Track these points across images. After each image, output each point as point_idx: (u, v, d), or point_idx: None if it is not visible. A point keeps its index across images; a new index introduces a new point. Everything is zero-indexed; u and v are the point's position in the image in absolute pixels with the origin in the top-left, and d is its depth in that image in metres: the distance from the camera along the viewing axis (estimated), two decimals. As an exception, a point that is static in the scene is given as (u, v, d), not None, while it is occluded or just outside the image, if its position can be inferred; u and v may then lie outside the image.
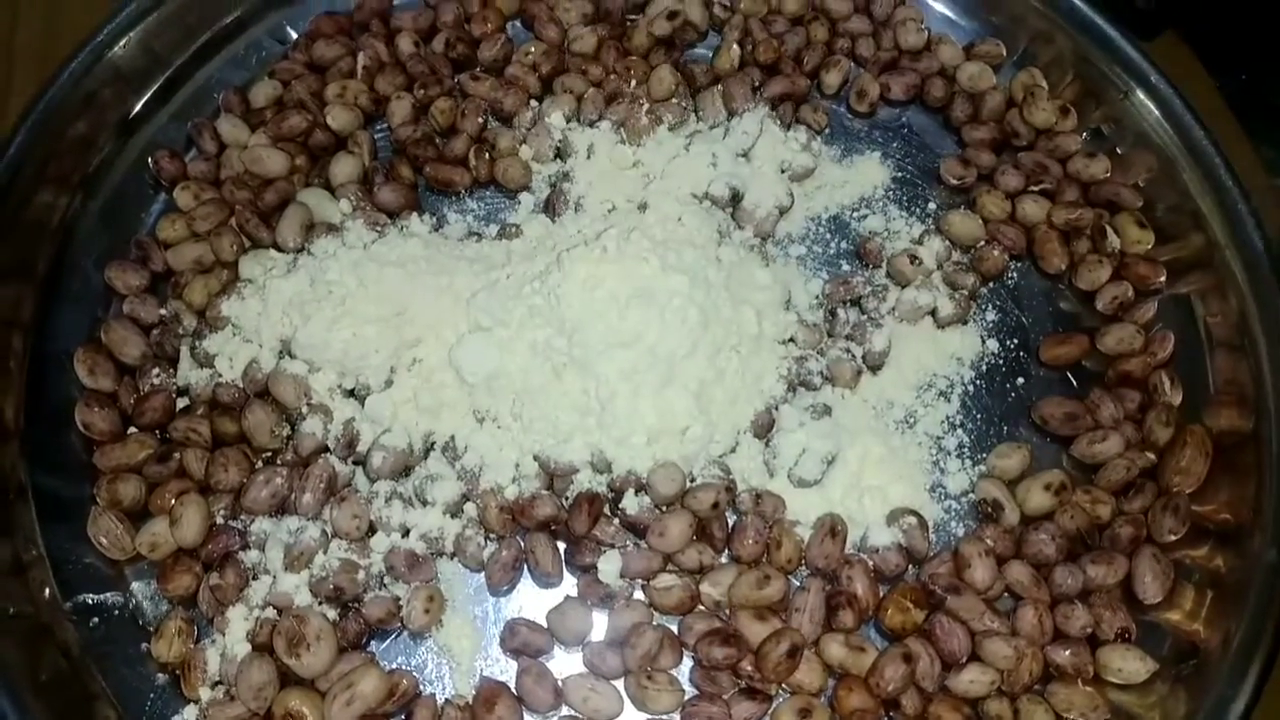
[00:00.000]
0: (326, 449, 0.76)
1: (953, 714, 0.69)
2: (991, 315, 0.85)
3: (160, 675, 0.71)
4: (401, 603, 0.71)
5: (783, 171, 0.88)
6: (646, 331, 0.75)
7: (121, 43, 0.86)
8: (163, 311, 0.81)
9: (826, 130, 0.92)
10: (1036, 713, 0.69)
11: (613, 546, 0.74)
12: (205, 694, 0.69)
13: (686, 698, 0.70)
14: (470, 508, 0.75)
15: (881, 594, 0.73)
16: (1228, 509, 0.75)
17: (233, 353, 0.79)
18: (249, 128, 0.89)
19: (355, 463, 0.76)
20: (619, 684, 0.70)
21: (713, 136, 0.89)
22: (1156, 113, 0.87)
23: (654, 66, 0.92)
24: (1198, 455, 0.76)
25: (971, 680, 0.70)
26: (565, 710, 0.70)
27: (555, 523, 0.74)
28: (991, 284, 0.86)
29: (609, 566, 0.72)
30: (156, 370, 0.79)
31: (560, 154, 0.89)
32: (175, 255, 0.83)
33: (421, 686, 0.71)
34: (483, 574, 0.74)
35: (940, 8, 0.97)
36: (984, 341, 0.84)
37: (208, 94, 0.91)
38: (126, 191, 0.87)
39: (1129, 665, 0.70)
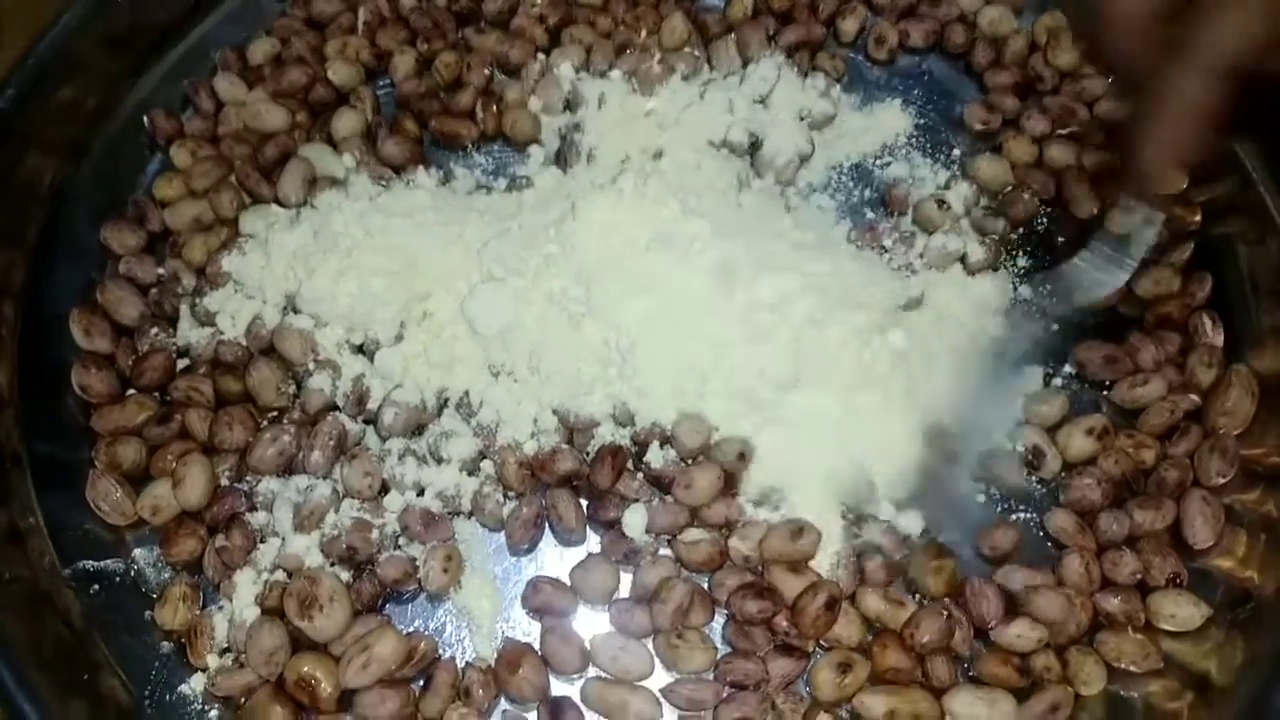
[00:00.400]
0: (335, 406, 0.73)
1: (1002, 667, 0.66)
2: (1022, 261, 0.82)
3: (165, 643, 0.67)
4: (418, 563, 0.68)
5: (802, 119, 0.85)
6: (669, 278, 0.72)
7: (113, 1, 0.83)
8: (160, 271, 0.78)
9: (845, 78, 0.89)
10: (1086, 663, 0.66)
11: (637, 501, 0.70)
12: (213, 661, 0.66)
13: (719, 655, 0.66)
14: (487, 465, 0.71)
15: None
16: (1277, 451, 0.72)
17: (235, 310, 0.75)
18: (247, 85, 0.86)
19: (366, 420, 0.73)
20: (648, 643, 0.67)
21: (728, 84, 0.86)
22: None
23: (665, 16, 0.89)
24: (1244, 395, 0.73)
25: (1018, 635, 0.66)
26: (593, 671, 0.67)
27: (577, 478, 0.71)
28: (1021, 229, 0.83)
29: (634, 521, 0.69)
30: (155, 330, 0.76)
31: (570, 105, 0.86)
32: (173, 214, 0.80)
33: (441, 650, 0.67)
34: (502, 533, 0.71)
35: (960, -50, 0.94)
36: (1015, 288, 0.80)
37: (203, 53, 0.88)
38: (121, 151, 0.84)
39: (1182, 611, 0.67)
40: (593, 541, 0.71)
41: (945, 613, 0.66)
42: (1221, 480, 0.71)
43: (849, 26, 0.91)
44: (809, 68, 0.88)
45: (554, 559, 0.71)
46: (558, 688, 0.66)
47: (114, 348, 0.75)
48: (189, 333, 0.76)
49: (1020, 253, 0.82)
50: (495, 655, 0.67)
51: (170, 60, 0.88)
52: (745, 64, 0.88)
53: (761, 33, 0.88)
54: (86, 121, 0.83)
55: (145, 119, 0.84)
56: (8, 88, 0.78)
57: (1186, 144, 0.55)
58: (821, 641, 0.67)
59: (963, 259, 0.80)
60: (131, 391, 0.75)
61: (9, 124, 0.77)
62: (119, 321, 0.76)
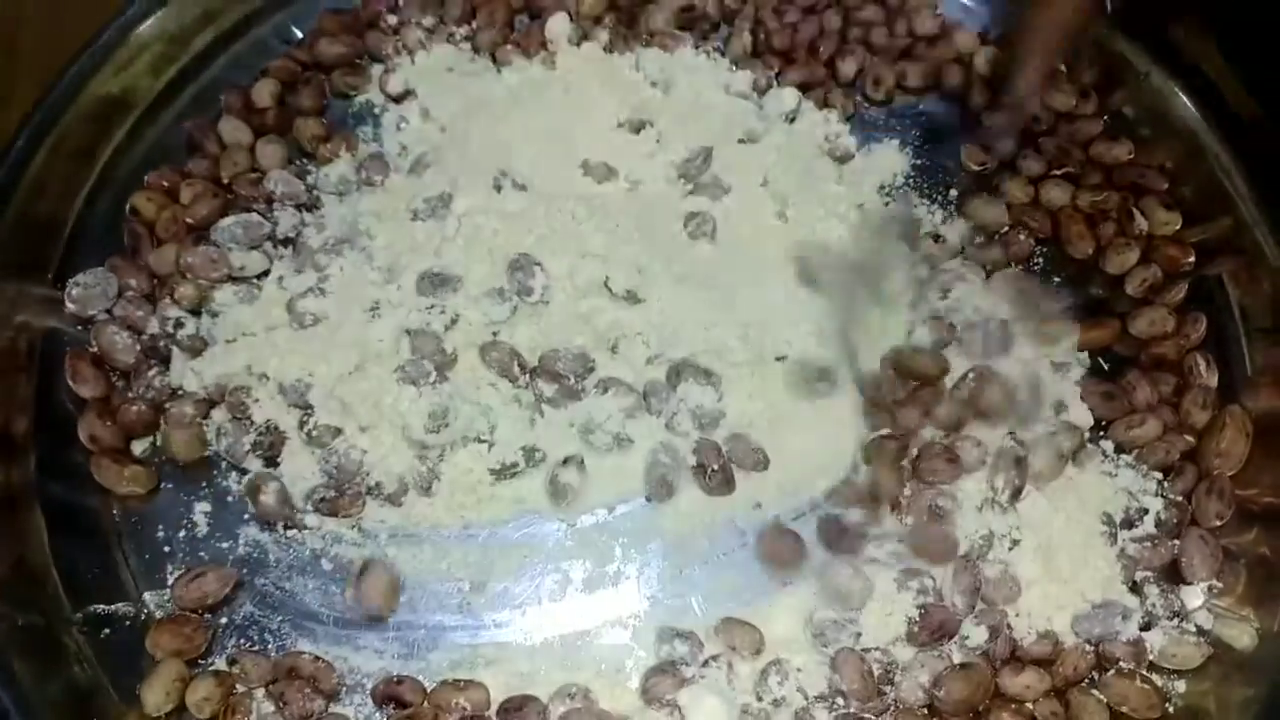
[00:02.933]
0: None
1: (1015, 718, 0.66)
2: (1020, 300, 0.83)
3: (175, 687, 0.68)
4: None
5: (825, 153, 0.87)
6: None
7: (125, 44, 0.84)
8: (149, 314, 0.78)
9: (853, 117, 0.90)
10: (1089, 703, 0.67)
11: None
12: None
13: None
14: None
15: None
16: (1272, 492, 0.73)
17: (201, 367, 0.76)
18: (250, 128, 0.87)
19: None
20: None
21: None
22: (1179, 93, 0.86)
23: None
24: (1238, 436, 0.74)
25: (1027, 685, 0.67)
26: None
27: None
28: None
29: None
30: (153, 372, 0.76)
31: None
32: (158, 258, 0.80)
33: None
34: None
35: (958, -6, 0.96)
36: (1012, 323, 0.82)
37: (213, 95, 0.89)
38: (132, 193, 0.85)
39: (1183, 650, 0.68)
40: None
41: (976, 681, 0.66)
42: (1219, 522, 0.72)
43: (847, 68, 0.92)
44: (824, 105, 0.90)
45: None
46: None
47: (106, 391, 0.76)
48: (183, 371, 0.76)
49: (1018, 292, 0.83)
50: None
51: (180, 104, 0.89)
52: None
53: (764, 72, 0.90)
54: (99, 163, 0.84)
55: (145, 179, 0.84)
56: (24, 129, 0.79)
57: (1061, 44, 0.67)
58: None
59: (960, 296, 0.81)
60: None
61: (26, 164, 0.78)
62: (114, 365, 0.77)
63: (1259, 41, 0.94)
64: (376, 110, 0.89)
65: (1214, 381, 0.77)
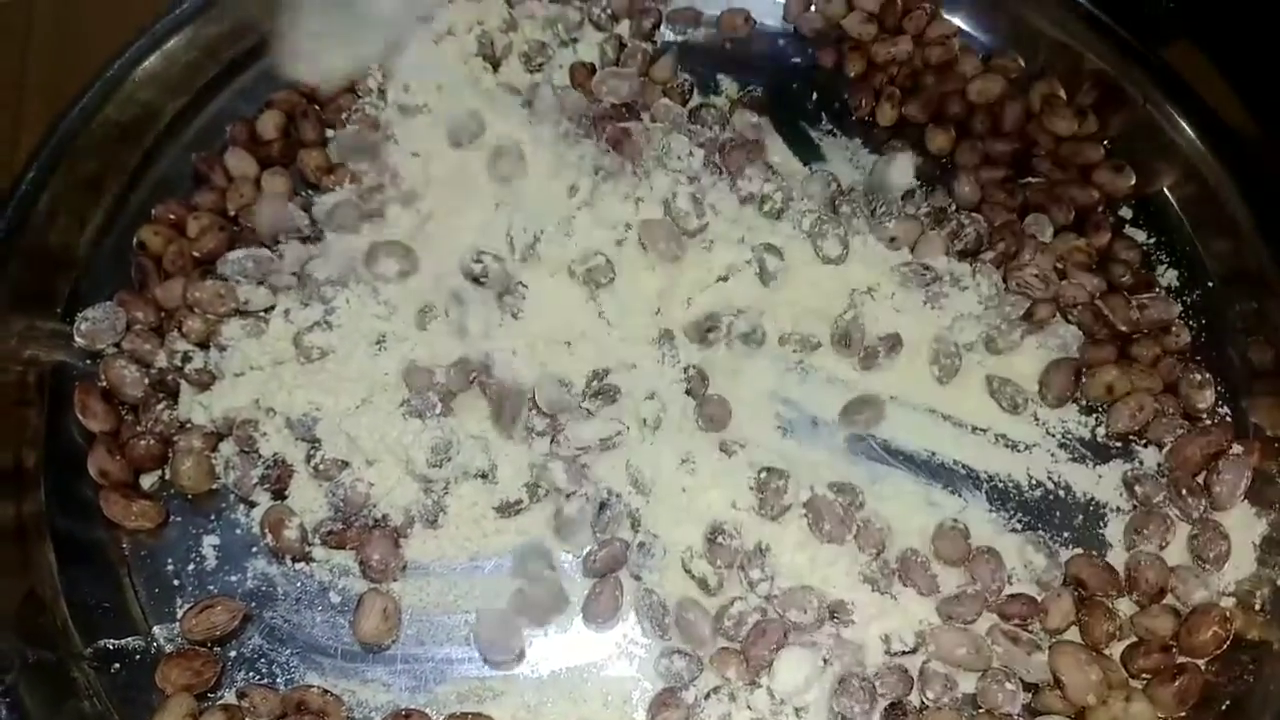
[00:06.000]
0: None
1: None
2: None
3: (186, 721, 0.68)
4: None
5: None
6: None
7: (132, 77, 0.85)
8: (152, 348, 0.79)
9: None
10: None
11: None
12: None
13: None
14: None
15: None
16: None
17: (207, 400, 0.77)
18: (256, 160, 0.88)
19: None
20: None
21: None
22: (1180, 120, 0.87)
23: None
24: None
25: None
26: None
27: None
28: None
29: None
30: (162, 405, 0.77)
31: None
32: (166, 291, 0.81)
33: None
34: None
35: (955, 22, 0.97)
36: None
37: (218, 127, 0.90)
38: (139, 227, 0.85)
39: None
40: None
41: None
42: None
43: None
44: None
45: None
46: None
47: (115, 425, 0.76)
48: (191, 405, 0.77)
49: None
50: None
51: (186, 137, 0.89)
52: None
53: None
54: (109, 195, 0.85)
55: (152, 212, 0.85)
56: (33, 162, 0.80)
57: None
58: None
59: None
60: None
61: (35, 197, 0.79)
62: (123, 399, 0.77)
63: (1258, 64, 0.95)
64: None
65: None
